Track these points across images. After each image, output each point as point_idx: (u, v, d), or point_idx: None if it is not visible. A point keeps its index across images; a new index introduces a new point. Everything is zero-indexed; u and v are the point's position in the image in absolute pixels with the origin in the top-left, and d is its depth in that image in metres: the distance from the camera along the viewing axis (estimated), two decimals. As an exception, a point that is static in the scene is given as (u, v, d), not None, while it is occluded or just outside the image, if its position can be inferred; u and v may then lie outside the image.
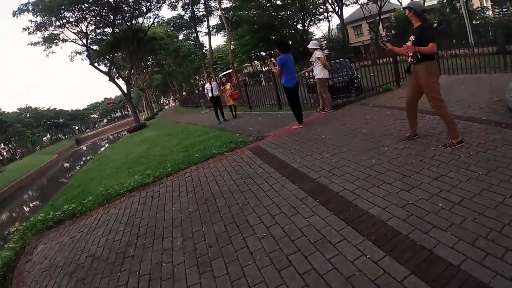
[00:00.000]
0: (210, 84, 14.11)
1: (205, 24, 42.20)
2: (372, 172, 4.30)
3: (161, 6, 36.29)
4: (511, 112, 5.48)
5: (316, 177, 4.58)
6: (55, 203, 8.52)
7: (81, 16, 29.58)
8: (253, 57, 57.82)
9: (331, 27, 51.29)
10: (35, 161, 44.27)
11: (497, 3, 32.03)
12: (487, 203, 3.12)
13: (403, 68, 10.96)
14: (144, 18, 35.82)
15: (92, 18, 30.97)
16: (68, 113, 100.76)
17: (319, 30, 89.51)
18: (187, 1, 40.20)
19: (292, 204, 3.99)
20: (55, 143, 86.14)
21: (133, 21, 33.75)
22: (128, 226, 4.86)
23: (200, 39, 47.87)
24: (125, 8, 32.16)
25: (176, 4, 40.68)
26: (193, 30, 44.09)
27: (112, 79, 31.98)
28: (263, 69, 58.43)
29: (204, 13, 41.12)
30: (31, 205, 24.31)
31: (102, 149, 36.83)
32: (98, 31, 33.50)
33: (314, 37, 55.49)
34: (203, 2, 39.56)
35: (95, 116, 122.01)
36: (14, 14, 27.13)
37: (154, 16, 37.27)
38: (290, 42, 40.00)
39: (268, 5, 40.28)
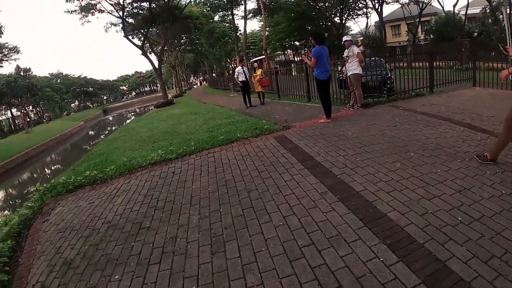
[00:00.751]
0: (242, 68, 14.10)
1: (242, 7, 41.71)
2: (395, 176, 4.27)
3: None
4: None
5: (338, 174, 4.58)
6: (77, 168, 8.72)
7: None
8: (287, 45, 57.37)
9: (368, 24, 50.30)
10: (61, 126, 45.07)
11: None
12: (506, 223, 3.08)
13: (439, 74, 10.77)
14: (181, -5, 35.86)
15: (129, -9, 31.11)
16: (98, 82, 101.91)
17: (356, 25, 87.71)
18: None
19: (312, 197, 4.02)
20: (83, 110, 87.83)
21: (170, -2, 33.80)
22: (147, 198, 4.98)
23: (236, 22, 47.64)
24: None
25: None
26: (229, 13, 43.76)
27: (144, 53, 32.13)
28: (296, 58, 57.94)
29: (242, -4, 40.78)
30: (52, 168, 24.87)
31: (128, 121, 37.38)
32: (135, 4, 33.61)
33: (350, 32, 54.60)
34: (242, -16, 39.20)
35: (124, 88, 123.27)
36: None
37: (192, -6, 37.24)
38: (326, 34, 39.47)
39: (307, -6, 39.70)
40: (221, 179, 5.11)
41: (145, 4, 33.00)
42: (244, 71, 13.92)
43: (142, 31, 35.99)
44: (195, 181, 5.28)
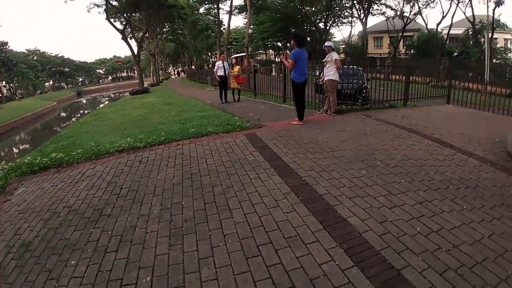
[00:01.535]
0: (223, 63, 13.98)
1: (228, 2, 41.62)
2: (360, 183, 4.31)
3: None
4: (509, 156, 5.46)
5: (303, 176, 4.58)
6: (44, 150, 8.47)
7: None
8: (269, 45, 57.52)
9: (352, 33, 51.09)
10: (33, 105, 43.95)
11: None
12: (465, 237, 3.16)
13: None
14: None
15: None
16: (74, 63, 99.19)
17: (340, 33, 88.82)
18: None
19: (274, 197, 4.00)
20: (56, 90, 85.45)
21: (157, -16, 33.24)
22: (111, 185, 4.86)
23: (220, 16, 47.43)
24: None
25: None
26: (215, 6, 43.53)
27: (125, 38, 31.42)
28: (276, 59, 58.14)
29: (230, -10, 40.57)
30: (20, 147, 24.24)
31: (101, 105, 36.69)
32: (121, -14, 32.97)
33: (333, 39, 55.25)
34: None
35: (101, 71, 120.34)
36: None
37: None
38: (308, 39, 39.76)
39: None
40: (187, 172, 5.03)
41: (131, -12, 32.33)
42: (224, 66, 13.79)
43: (125, 15, 35.28)
44: (160, 171, 5.17)
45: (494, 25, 31.22)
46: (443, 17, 38.42)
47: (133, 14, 36.45)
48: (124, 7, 33.70)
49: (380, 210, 3.62)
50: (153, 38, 50.76)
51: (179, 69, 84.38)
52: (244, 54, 37.43)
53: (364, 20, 40.65)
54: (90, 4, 33.03)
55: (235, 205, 3.87)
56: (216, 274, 2.79)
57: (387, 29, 41.99)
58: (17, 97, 61.82)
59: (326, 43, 9.05)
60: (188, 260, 3.00)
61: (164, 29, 54.77)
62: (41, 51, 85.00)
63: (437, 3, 46.87)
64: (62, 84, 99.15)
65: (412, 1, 37.85)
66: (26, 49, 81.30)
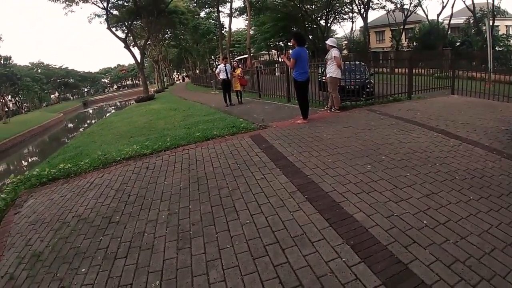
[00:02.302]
0: (225, 66, 13.99)
1: (228, 5, 41.62)
2: (365, 178, 4.31)
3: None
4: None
5: (309, 174, 4.59)
6: (52, 161, 8.57)
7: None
8: (271, 45, 57.42)
9: (353, 28, 50.85)
10: (40, 118, 44.39)
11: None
12: (472, 228, 3.14)
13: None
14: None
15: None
16: (79, 74, 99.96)
17: (341, 29, 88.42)
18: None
19: (280, 196, 4.02)
20: (62, 102, 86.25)
21: (156, -9, 33.38)
22: (119, 193, 4.91)
23: (221, 19, 47.52)
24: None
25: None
26: (215, 10, 43.60)
27: (127, 47, 31.63)
28: (279, 59, 58.07)
29: (229, -7, 40.61)
30: (29, 160, 24.46)
31: (108, 114, 36.93)
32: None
33: (335, 36, 55.04)
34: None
35: (106, 81, 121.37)
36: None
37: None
38: (310, 37, 39.68)
39: (295, -5, 39.83)
40: (193, 176, 5.06)
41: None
42: (226, 69, 13.81)
43: (126, 24, 35.53)
44: (167, 177, 5.22)
45: (495, 12, 30.94)
46: (443, 7, 38.30)
47: (134, 22, 36.65)
48: (124, 16, 33.96)
49: (386, 204, 3.61)
50: (156, 45, 51.10)
51: (184, 74, 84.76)
52: (247, 56, 37.48)
53: (364, 15, 40.46)
54: (91, 14, 33.32)
55: (241, 207, 3.89)
56: (224, 276, 2.81)
57: (388, 22, 41.76)
58: (23, 111, 62.55)
59: (328, 41, 9.04)
60: (196, 263, 3.02)
61: (166, 35, 55.09)
62: (44, 64, 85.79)
63: (436, -6, 46.46)
64: (68, 95, 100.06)
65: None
66: (29, 63, 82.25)
